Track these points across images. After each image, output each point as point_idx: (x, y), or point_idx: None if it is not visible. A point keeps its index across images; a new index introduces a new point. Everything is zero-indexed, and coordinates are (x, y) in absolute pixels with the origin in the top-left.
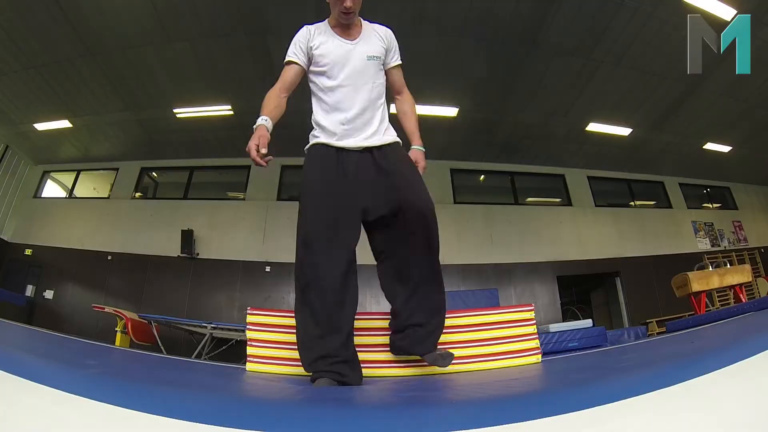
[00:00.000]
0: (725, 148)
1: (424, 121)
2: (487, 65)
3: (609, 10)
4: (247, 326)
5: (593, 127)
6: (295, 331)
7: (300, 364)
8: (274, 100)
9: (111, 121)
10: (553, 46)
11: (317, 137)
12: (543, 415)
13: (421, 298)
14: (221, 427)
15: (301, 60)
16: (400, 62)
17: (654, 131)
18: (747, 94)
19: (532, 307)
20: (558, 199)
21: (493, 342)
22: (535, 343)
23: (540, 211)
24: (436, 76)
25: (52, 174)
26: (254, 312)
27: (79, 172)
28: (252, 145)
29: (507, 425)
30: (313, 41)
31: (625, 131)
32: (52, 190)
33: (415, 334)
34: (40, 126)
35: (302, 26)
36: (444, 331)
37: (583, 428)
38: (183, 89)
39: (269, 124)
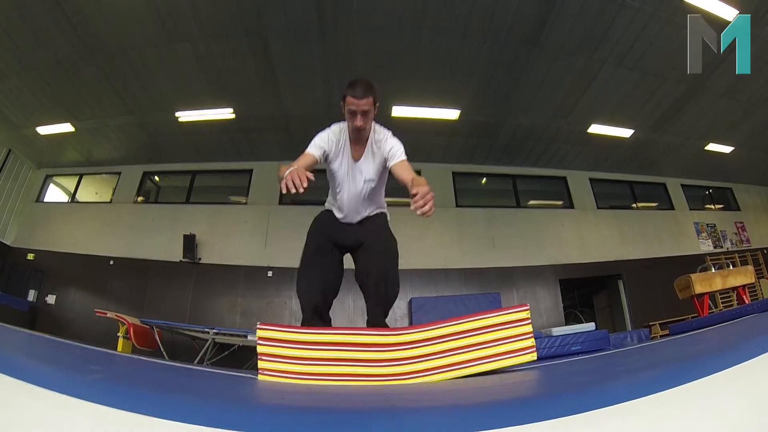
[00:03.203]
0: (727, 149)
1: (426, 124)
2: (488, 67)
3: (610, 12)
4: (258, 341)
5: (595, 128)
6: (304, 347)
7: (309, 377)
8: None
9: (113, 125)
10: (554, 47)
11: (330, 206)
12: (545, 417)
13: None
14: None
15: (318, 156)
16: (404, 158)
17: (656, 132)
18: (748, 95)
19: (527, 307)
20: (560, 202)
21: (491, 345)
22: (531, 342)
23: (542, 214)
24: (438, 78)
25: (54, 178)
26: (264, 327)
27: (81, 176)
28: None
29: (509, 428)
30: (330, 150)
31: (626, 133)
32: (54, 194)
33: None
34: (43, 130)
35: (332, 124)
36: (444, 338)
37: (585, 431)
38: (185, 92)
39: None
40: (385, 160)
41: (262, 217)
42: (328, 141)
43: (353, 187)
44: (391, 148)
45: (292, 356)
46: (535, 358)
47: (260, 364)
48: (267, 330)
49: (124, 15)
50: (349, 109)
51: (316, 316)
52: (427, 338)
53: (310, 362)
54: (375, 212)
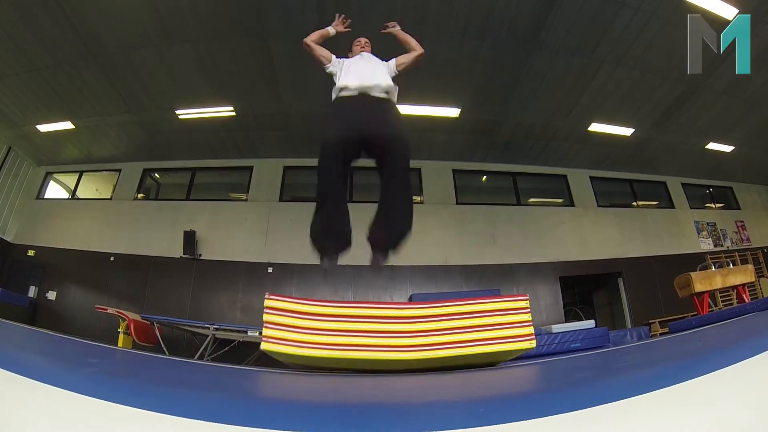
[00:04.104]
0: (727, 148)
1: (426, 122)
2: (488, 66)
3: (610, 10)
4: (265, 310)
5: (595, 127)
6: (310, 317)
7: (313, 346)
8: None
9: (113, 123)
10: (554, 46)
11: (338, 91)
12: (545, 414)
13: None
14: (229, 425)
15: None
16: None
17: (656, 131)
18: (749, 93)
19: (527, 297)
20: (560, 200)
21: (490, 328)
22: (530, 330)
23: (542, 212)
24: (438, 76)
25: (54, 175)
26: (273, 297)
27: (81, 173)
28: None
29: (511, 423)
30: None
31: (627, 131)
32: (54, 191)
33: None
34: (43, 127)
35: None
36: (443, 317)
37: (585, 427)
38: (185, 90)
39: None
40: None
41: (263, 214)
42: (337, 61)
43: (373, 68)
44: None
45: (297, 326)
46: (534, 345)
47: (265, 332)
48: (275, 300)
49: (124, 15)
50: (354, 49)
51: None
52: (430, 315)
53: (314, 332)
54: (388, 101)
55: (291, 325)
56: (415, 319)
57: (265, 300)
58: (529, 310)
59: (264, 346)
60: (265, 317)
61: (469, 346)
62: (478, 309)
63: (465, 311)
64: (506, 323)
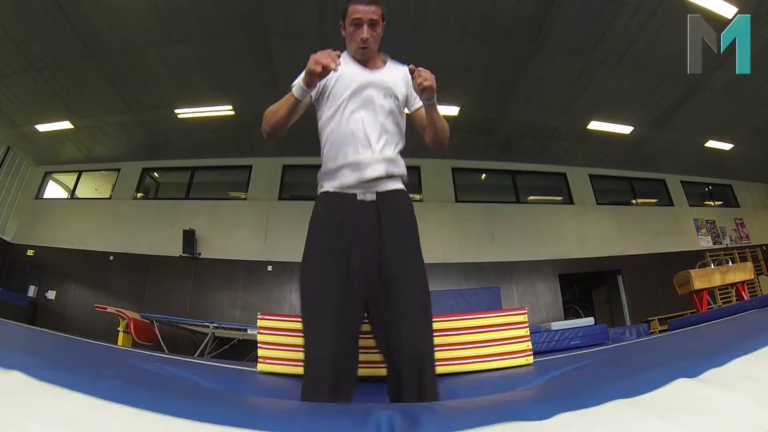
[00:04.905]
0: (727, 146)
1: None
2: (488, 64)
3: (610, 9)
4: (258, 330)
5: (595, 125)
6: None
7: None
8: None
9: (112, 122)
10: (554, 45)
11: (323, 182)
12: (546, 414)
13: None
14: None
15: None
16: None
17: (655, 129)
18: (749, 92)
19: (525, 311)
20: (560, 198)
21: (488, 344)
22: (527, 345)
23: (542, 210)
24: (438, 75)
25: (53, 175)
26: (265, 317)
27: (80, 172)
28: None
29: (509, 423)
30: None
31: (626, 129)
32: (53, 191)
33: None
34: (42, 127)
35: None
36: (443, 333)
37: (585, 427)
38: (184, 90)
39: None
40: (407, 98)
41: (262, 213)
42: None
43: (367, 103)
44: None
45: (291, 344)
46: (531, 362)
47: (260, 353)
48: (268, 320)
49: (124, 15)
50: (352, 19)
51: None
52: None
53: None
54: (396, 186)
55: (285, 344)
56: None
57: (258, 320)
58: (527, 324)
59: (260, 367)
60: (259, 338)
61: (469, 363)
62: (478, 324)
63: (465, 326)
64: (505, 339)
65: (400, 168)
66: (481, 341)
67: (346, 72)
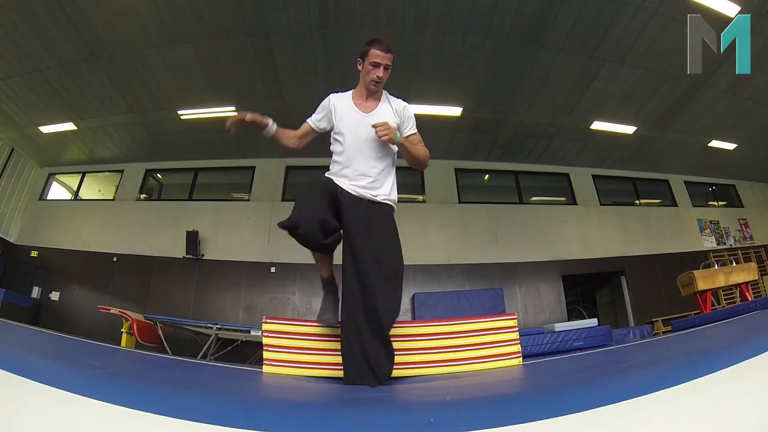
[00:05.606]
0: (730, 146)
1: (428, 121)
2: (490, 65)
3: (612, 9)
4: (263, 333)
5: (597, 125)
6: (307, 338)
7: (312, 367)
8: (289, 132)
9: (115, 123)
10: (556, 44)
11: (331, 173)
12: (548, 415)
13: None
14: (232, 428)
15: (316, 121)
16: (415, 131)
17: (658, 129)
18: (752, 92)
19: (515, 316)
20: (563, 198)
21: (478, 347)
22: (517, 348)
23: (545, 211)
24: (440, 75)
25: (57, 176)
26: (270, 321)
27: (84, 174)
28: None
29: (512, 426)
30: (333, 108)
31: (629, 129)
32: (57, 192)
33: None
34: (45, 129)
35: (329, 94)
36: (433, 336)
37: (589, 428)
38: (187, 91)
39: (273, 127)
40: (398, 126)
41: (265, 214)
42: (329, 102)
43: (364, 132)
44: (410, 115)
45: (296, 347)
46: (521, 363)
47: (265, 355)
48: (273, 323)
49: (127, 16)
50: (372, 61)
51: (322, 238)
52: (423, 333)
53: (313, 352)
54: (383, 199)
55: (290, 347)
56: (412, 337)
57: (263, 324)
58: (517, 329)
59: (266, 369)
60: (265, 341)
61: (462, 364)
62: (470, 328)
63: (458, 330)
64: (495, 342)
65: (386, 186)
66: (473, 344)
67: (346, 113)
